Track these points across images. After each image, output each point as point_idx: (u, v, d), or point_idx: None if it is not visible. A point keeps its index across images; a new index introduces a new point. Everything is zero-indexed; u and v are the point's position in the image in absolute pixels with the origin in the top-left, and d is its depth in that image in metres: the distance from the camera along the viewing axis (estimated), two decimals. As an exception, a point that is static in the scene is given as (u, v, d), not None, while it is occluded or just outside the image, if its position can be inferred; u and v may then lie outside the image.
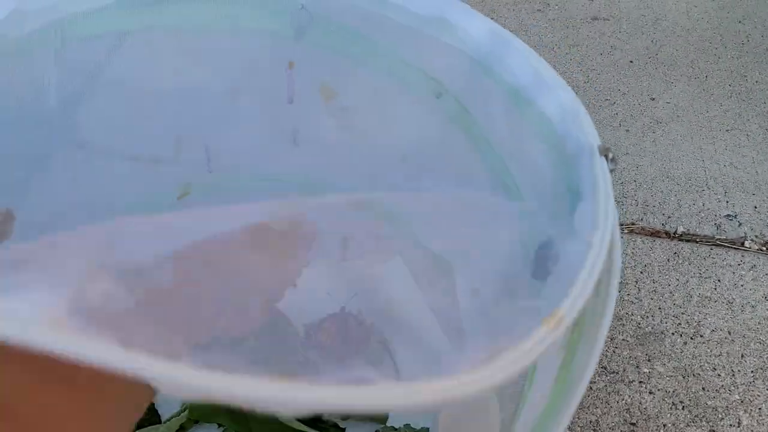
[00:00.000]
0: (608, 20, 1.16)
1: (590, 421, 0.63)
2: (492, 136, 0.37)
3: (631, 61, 1.08)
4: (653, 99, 1.01)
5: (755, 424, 0.63)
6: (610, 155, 0.28)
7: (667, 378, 0.67)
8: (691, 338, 0.70)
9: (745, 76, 1.05)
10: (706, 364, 0.68)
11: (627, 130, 0.95)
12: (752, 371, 0.67)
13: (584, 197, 0.26)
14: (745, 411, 0.64)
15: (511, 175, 0.38)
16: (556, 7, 1.20)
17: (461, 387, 0.18)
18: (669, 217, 0.83)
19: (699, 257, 0.78)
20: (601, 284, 0.26)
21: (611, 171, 0.28)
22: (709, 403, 0.65)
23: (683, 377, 0.67)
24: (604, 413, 0.64)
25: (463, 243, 0.51)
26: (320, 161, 0.59)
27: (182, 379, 0.15)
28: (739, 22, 1.16)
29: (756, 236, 0.81)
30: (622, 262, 0.78)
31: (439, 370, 0.18)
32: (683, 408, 0.64)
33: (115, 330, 0.18)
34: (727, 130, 0.95)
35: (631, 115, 0.98)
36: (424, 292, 0.66)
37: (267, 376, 0.16)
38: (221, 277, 0.26)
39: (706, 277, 0.76)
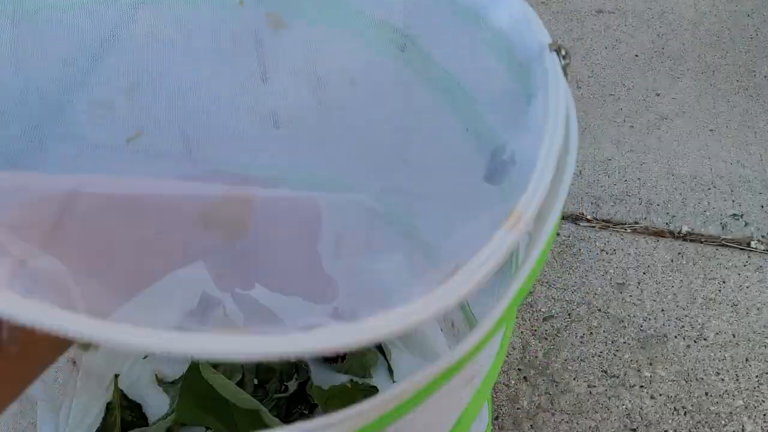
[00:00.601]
0: (613, 13, 1.14)
1: (590, 427, 0.62)
2: (454, 68, 0.36)
3: (637, 56, 1.05)
4: (659, 94, 0.99)
5: (759, 431, 0.61)
6: (563, 51, 0.27)
7: (669, 382, 0.65)
8: (695, 341, 0.68)
9: (754, 72, 1.02)
10: (709, 369, 0.66)
11: (631, 126, 0.93)
12: (757, 376, 0.65)
13: (536, 94, 0.25)
14: (749, 417, 0.62)
15: (477, 110, 0.36)
16: (561, 0, 1.17)
17: (414, 315, 0.17)
18: (673, 217, 0.81)
19: (704, 258, 0.76)
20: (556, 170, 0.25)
21: (565, 65, 0.27)
22: (712, 408, 0.63)
23: (686, 381, 0.65)
24: (604, 419, 0.62)
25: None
26: (303, 145, 0.58)
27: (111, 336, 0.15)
28: (748, 15, 1.13)
29: (763, 236, 0.78)
30: (625, 264, 0.76)
31: (394, 302, 0.18)
32: (685, 414, 0.63)
33: (55, 294, 0.18)
34: (734, 127, 0.93)
35: (636, 111, 0.96)
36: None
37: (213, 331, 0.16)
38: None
39: (710, 279, 0.74)
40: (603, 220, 0.81)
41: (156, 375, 0.59)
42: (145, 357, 0.61)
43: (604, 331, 0.69)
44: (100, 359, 0.58)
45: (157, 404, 0.57)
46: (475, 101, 0.35)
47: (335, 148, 0.47)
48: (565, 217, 0.81)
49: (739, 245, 0.78)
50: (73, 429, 0.52)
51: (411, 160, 0.47)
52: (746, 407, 0.63)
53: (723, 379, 0.65)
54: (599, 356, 0.67)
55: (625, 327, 0.69)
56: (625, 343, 0.68)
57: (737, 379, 0.65)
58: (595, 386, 0.65)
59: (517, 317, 0.70)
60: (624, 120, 0.94)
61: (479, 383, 0.29)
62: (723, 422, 0.62)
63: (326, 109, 0.44)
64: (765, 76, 1.01)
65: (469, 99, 0.35)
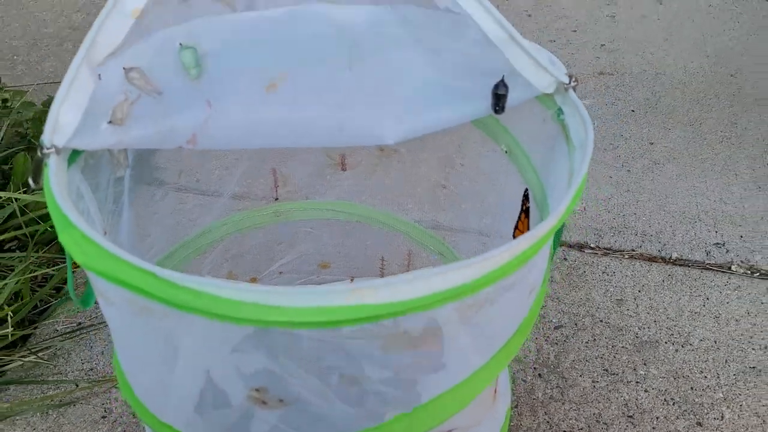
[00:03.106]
0: (613, 75, 1.31)
1: (593, 414, 0.74)
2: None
3: (633, 111, 1.21)
4: (652, 143, 1.14)
5: (736, 418, 0.74)
6: (573, 79, 0.49)
7: (661, 379, 0.78)
8: (682, 346, 0.81)
9: (736, 124, 1.17)
10: (694, 368, 0.79)
11: (628, 170, 1.08)
12: (734, 374, 0.78)
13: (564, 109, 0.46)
14: (728, 407, 0.75)
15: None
16: (566, 63, 1.34)
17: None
18: (664, 245, 0.95)
19: (690, 279, 0.90)
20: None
21: (575, 86, 0.47)
22: (696, 400, 0.76)
23: (674, 378, 0.78)
24: (606, 407, 0.75)
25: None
26: (366, 186, 0.74)
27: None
28: (732, 75, 1.30)
29: (741, 261, 0.92)
30: (623, 284, 0.90)
31: None
32: (674, 404, 0.75)
33: None
34: (718, 171, 1.08)
35: (633, 157, 1.11)
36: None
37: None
38: None
39: (696, 296, 0.88)
40: (604, 248, 0.95)
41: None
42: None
43: (605, 338, 0.82)
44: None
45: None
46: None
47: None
48: (571, 246, 0.95)
49: (721, 269, 0.91)
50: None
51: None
52: (725, 399, 0.76)
53: (706, 377, 0.78)
54: (601, 358, 0.80)
55: (623, 334, 0.83)
56: (623, 347, 0.81)
57: (718, 377, 0.78)
58: (598, 382, 0.78)
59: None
60: (622, 165, 1.10)
61: (534, 297, 0.45)
62: (706, 411, 0.75)
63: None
64: (745, 128, 1.16)
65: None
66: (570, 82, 0.50)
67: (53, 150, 0.43)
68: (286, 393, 0.42)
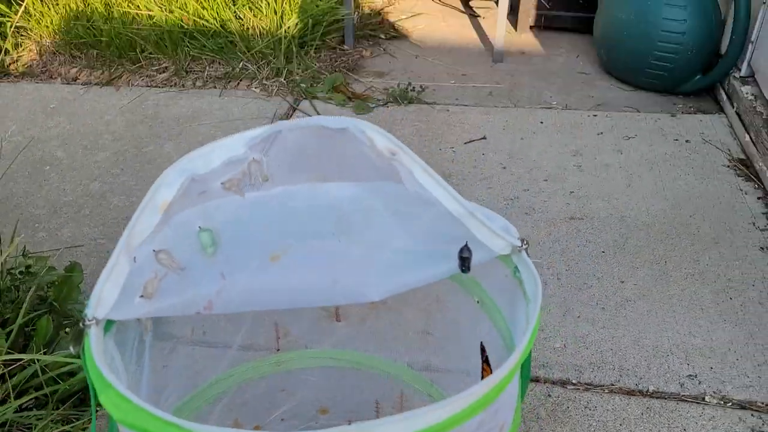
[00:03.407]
0: (582, 219, 1.43)
1: None
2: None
3: (603, 252, 1.32)
4: (623, 282, 1.23)
5: None
6: (525, 242, 0.56)
7: None
8: (665, 478, 0.85)
9: (698, 261, 1.28)
10: (678, 499, 0.82)
11: (603, 308, 1.17)
12: (716, 504, 0.82)
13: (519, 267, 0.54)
14: None
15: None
16: (540, 210, 1.48)
17: None
18: (641, 378, 1.01)
19: (667, 410, 0.95)
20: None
21: (526, 248, 0.55)
22: None
23: None
24: None
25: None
26: (359, 334, 0.82)
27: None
28: (690, 216, 1.42)
29: (714, 392, 0.98)
30: (605, 418, 0.95)
31: None
32: None
33: None
34: (685, 305, 1.16)
35: (606, 296, 1.20)
36: None
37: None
38: None
39: (674, 427, 0.93)
40: (585, 384, 1.01)
41: None
42: None
43: (591, 473, 0.86)
44: None
45: None
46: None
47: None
48: (554, 383, 1.02)
49: (695, 400, 0.97)
50: None
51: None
52: None
53: (690, 508, 0.81)
54: (589, 493, 0.84)
55: (607, 468, 0.87)
56: (608, 481, 0.85)
57: (701, 507, 0.81)
58: None
59: (521, 464, 0.88)
60: (596, 303, 1.18)
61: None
62: None
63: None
64: (707, 265, 1.27)
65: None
66: (522, 245, 0.60)
67: (94, 321, 0.52)
68: None
